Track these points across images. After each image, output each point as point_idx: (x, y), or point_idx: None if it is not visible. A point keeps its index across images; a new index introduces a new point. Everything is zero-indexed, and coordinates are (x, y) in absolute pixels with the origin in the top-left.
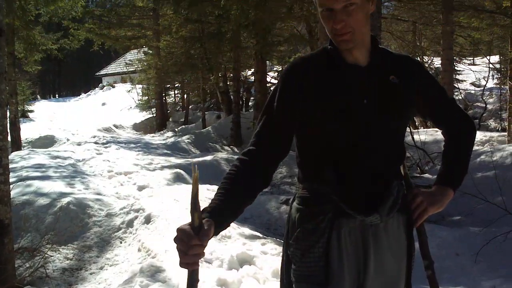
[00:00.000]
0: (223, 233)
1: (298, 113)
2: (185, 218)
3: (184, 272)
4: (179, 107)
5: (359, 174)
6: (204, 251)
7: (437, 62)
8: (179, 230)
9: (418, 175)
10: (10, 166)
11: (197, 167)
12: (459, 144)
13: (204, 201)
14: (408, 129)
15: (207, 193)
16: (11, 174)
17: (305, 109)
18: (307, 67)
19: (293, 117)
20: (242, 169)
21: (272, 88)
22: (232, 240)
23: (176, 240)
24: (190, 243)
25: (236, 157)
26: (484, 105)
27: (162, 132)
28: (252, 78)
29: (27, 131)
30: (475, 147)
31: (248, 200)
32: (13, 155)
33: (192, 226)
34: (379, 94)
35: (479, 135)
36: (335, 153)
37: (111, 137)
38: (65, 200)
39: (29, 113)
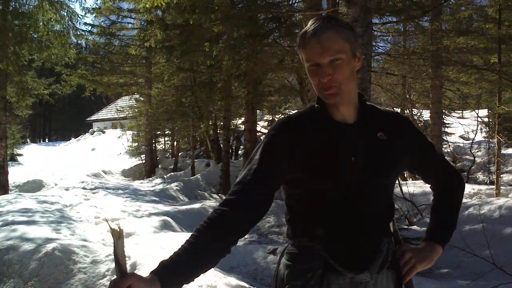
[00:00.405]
0: (208, 282)
1: (285, 173)
2: None
3: None
4: (168, 154)
5: (349, 231)
6: None
7: (426, 115)
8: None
9: (406, 227)
10: None
11: (121, 226)
12: (448, 200)
13: None
14: (396, 181)
15: None
16: None
17: (292, 169)
18: (294, 127)
19: (278, 175)
20: (216, 225)
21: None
22: None
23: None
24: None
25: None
26: (473, 158)
27: (151, 178)
28: (242, 127)
29: (16, 174)
30: (464, 200)
31: (212, 262)
32: (0, 199)
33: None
34: (368, 151)
35: (468, 188)
36: (324, 210)
37: (100, 182)
38: (50, 246)
39: (18, 157)
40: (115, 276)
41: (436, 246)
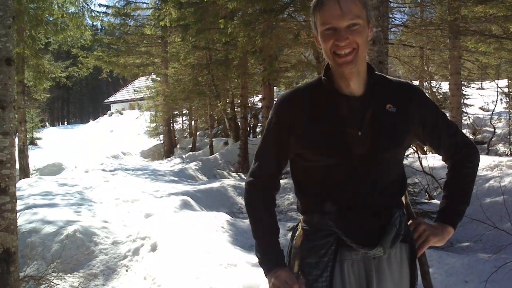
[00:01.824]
0: (229, 261)
1: (292, 146)
2: (192, 246)
3: None
4: (186, 133)
5: (360, 206)
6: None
7: (445, 86)
8: (279, 276)
9: (426, 201)
10: (18, 193)
11: (301, 223)
12: (461, 176)
13: (217, 231)
14: (416, 155)
15: (215, 221)
16: (18, 202)
17: (298, 144)
18: (300, 99)
19: (287, 149)
20: (265, 206)
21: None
22: (239, 268)
23: (280, 283)
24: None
25: (243, 183)
26: (493, 130)
27: (169, 159)
28: (260, 104)
29: (35, 158)
30: (484, 172)
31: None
32: (21, 183)
33: (291, 273)
34: (375, 125)
35: (488, 160)
36: (332, 186)
37: (119, 164)
38: (71, 228)
39: (37, 141)
40: (135, 257)
41: (447, 228)
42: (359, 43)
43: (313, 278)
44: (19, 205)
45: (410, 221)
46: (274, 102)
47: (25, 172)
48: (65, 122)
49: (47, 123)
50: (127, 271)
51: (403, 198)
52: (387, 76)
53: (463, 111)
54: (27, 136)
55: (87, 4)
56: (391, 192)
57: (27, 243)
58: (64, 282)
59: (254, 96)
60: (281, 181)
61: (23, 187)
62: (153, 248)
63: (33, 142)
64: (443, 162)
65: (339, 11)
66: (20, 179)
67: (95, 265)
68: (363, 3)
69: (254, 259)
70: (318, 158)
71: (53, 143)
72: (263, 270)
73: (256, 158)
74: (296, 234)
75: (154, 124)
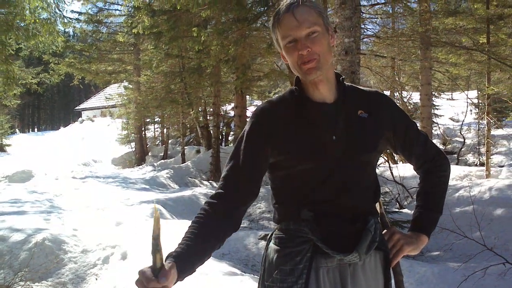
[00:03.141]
0: (200, 270)
1: (268, 157)
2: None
3: None
4: (158, 141)
5: (335, 212)
6: None
7: (415, 97)
8: (140, 272)
9: (397, 210)
10: None
11: (158, 207)
12: (434, 185)
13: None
14: (387, 164)
15: (186, 227)
16: None
17: (275, 152)
18: (275, 111)
19: (262, 160)
20: (210, 213)
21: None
22: (209, 277)
23: (136, 283)
24: (149, 286)
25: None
26: (463, 140)
27: (141, 166)
28: (232, 112)
29: (4, 165)
30: (454, 182)
31: (217, 244)
32: None
33: (152, 268)
34: (348, 129)
35: (458, 170)
36: (309, 192)
37: (89, 171)
38: (40, 236)
39: (6, 147)
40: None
41: (421, 236)
42: (319, 52)
43: (287, 285)
44: None
45: (385, 231)
46: (247, 110)
47: None
48: (36, 129)
49: (17, 130)
50: (96, 279)
51: (377, 207)
52: (356, 86)
53: (433, 121)
54: None
55: (60, 10)
56: (366, 197)
57: None
58: None
59: (227, 104)
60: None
61: None
62: (123, 256)
63: (2, 149)
64: (414, 172)
65: (296, 22)
66: None
67: (64, 274)
68: (318, 12)
69: (225, 267)
70: (294, 163)
71: (22, 149)
72: None
73: (224, 172)
74: (270, 244)
75: (126, 132)
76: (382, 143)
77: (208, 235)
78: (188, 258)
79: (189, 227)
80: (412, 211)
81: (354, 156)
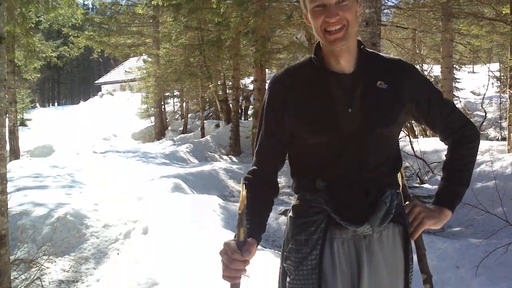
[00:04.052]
0: (221, 244)
1: (285, 125)
2: (183, 229)
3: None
4: (178, 116)
5: (350, 184)
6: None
7: (436, 70)
8: (225, 244)
9: (417, 185)
10: (8, 175)
11: (243, 183)
12: (461, 156)
13: (209, 214)
14: (407, 139)
15: (206, 204)
16: (8, 184)
17: (291, 122)
18: (291, 79)
19: (283, 128)
20: (257, 191)
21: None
22: None
23: (220, 253)
24: (233, 257)
25: (235, 166)
26: (484, 114)
27: (160, 141)
28: (251, 86)
29: (26, 140)
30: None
31: (269, 212)
32: (11, 164)
33: (237, 241)
34: (366, 101)
35: (479, 145)
36: (324, 164)
37: (110, 146)
38: (62, 211)
39: (27, 122)
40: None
41: (444, 210)
42: (349, 19)
43: (302, 256)
44: (10, 187)
45: (406, 203)
46: (266, 84)
47: (15, 154)
48: (56, 103)
49: (37, 104)
50: (118, 254)
51: (399, 179)
52: (379, 53)
53: (454, 95)
54: (18, 117)
55: None
56: (382, 170)
57: (18, 225)
58: (55, 265)
59: (246, 78)
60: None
61: (14, 169)
62: (145, 231)
63: (23, 123)
64: (435, 146)
65: None
66: (10, 160)
67: (86, 248)
68: None
69: None
70: (309, 136)
71: (43, 124)
72: None
73: (254, 154)
74: (289, 214)
75: (145, 106)
76: (403, 115)
77: (263, 211)
78: (259, 233)
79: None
80: (433, 186)
81: (370, 129)
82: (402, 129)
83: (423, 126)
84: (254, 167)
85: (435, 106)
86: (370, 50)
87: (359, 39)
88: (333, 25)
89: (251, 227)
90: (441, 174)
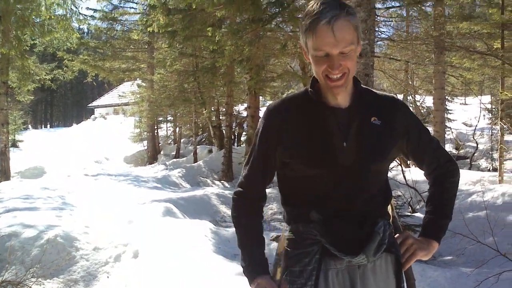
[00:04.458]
0: (212, 270)
1: (279, 156)
2: (174, 254)
3: None
4: (170, 140)
5: (344, 215)
6: None
7: (429, 101)
8: (266, 283)
9: (409, 214)
10: None
11: (283, 232)
12: (444, 191)
13: (200, 239)
14: (400, 168)
15: (198, 229)
16: None
17: (286, 153)
18: (287, 110)
19: (274, 157)
20: (252, 216)
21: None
22: (222, 278)
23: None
24: None
25: (227, 192)
26: (476, 145)
27: (153, 165)
28: (245, 113)
29: (17, 161)
30: (466, 187)
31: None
32: (1, 185)
33: (273, 279)
34: (360, 136)
35: (471, 175)
36: (319, 195)
37: (102, 169)
38: (52, 232)
39: (19, 143)
40: (117, 263)
41: (432, 242)
42: (350, 68)
43: (297, 287)
44: None
45: (397, 235)
46: (260, 111)
47: (6, 175)
48: (48, 125)
49: (29, 126)
50: (108, 277)
51: (389, 210)
52: (372, 90)
53: (446, 125)
54: (9, 138)
55: (75, 7)
56: (375, 202)
57: (6, 246)
58: (44, 287)
59: (240, 104)
60: (266, 190)
61: (4, 189)
62: (135, 255)
63: (14, 145)
64: None
65: (333, 39)
66: (0, 181)
67: (75, 271)
68: (355, 26)
69: (237, 268)
70: (304, 168)
71: (35, 146)
72: (248, 280)
73: (244, 169)
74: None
75: (138, 130)
76: (394, 151)
77: (260, 235)
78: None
79: (245, 233)
80: (424, 215)
81: (364, 163)
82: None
83: (409, 159)
84: (244, 189)
85: (424, 143)
86: (364, 86)
87: (355, 76)
88: (335, 74)
89: (262, 260)
90: (425, 209)
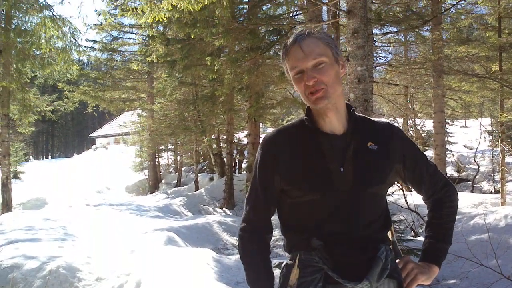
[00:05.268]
0: None
1: (277, 184)
2: (177, 283)
3: None
4: (172, 169)
5: (345, 242)
6: None
7: (429, 124)
8: None
9: (412, 238)
10: (0, 228)
11: (297, 262)
12: (443, 216)
13: (203, 268)
14: (401, 192)
15: (200, 257)
16: (0, 236)
17: (283, 181)
18: (284, 138)
19: (274, 185)
20: (260, 252)
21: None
22: None
23: None
24: None
25: (228, 219)
26: (477, 167)
27: (154, 194)
28: (245, 140)
29: (18, 192)
30: (468, 210)
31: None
32: (3, 217)
33: None
34: (357, 161)
35: (472, 197)
36: (319, 222)
37: (103, 199)
38: (54, 264)
39: (20, 174)
40: None
41: (433, 267)
42: (326, 82)
43: None
44: (1, 240)
45: (398, 260)
46: (260, 138)
47: (8, 206)
48: (50, 156)
49: (31, 157)
50: None
51: (389, 235)
52: (366, 116)
53: (447, 148)
54: (10, 169)
55: (75, 39)
56: (375, 227)
57: (9, 279)
58: None
59: (240, 131)
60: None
61: (6, 221)
62: (137, 284)
63: (16, 176)
64: None
65: (302, 53)
66: (2, 213)
67: None
68: (326, 43)
69: None
70: (302, 194)
71: (36, 177)
72: None
73: (247, 202)
74: (291, 271)
75: (139, 159)
76: (391, 175)
77: (270, 270)
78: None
79: (253, 266)
80: None
81: (362, 188)
82: (396, 183)
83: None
84: (249, 224)
85: (421, 167)
86: (359, 114)
87: (347, 102)
88: (312, 88)
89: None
90: (425, 235)
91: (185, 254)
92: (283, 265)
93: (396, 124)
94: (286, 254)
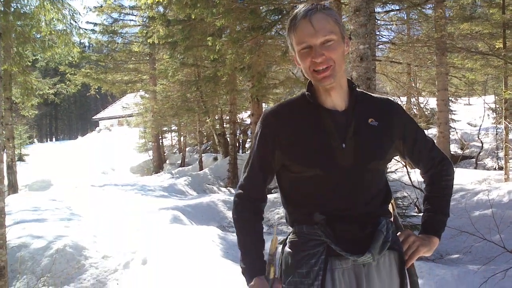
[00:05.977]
0: (221, 274)
1: (278, 158)
2: (182, 260)
3: None
4: (176, 149)
5: (348, 216)
6: None
7: (432, 102)
8: (257, 279)
9: (415, 214)
10: (7, 209)
11: (275, 230)
12: (440, 189)
13: (208, 245)
14: (404, 169)
15: (205, 235)
16: (7, 217)
17: (284, 156)
18: (285, 113)
19: (274, 160)
20: (252, 217)
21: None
22: (231, 282)
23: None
24: None
25: (233, 198)
26: (481, 144)
27: (159, 174)
28: (249, 120)
29: (23, 174)
30: (472, 186)
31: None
32: (10, 198)
33: (267, 278)
34: (358, 137)
35: (476, 174)
36: (319, 197)
37: (108, 179)
38: (61, 243)
39: (25, 157)
40: (126, 270)
41: (433, 239)
42: (335, 59)
43: None
44: (8, 220)
45: (399, 233)
46: None
47: (13, 188)
48: (54, 139)
49: (35, 140)
50: (117, 284)
51: (390, 209)
52: (367, 93)
53: (450, 126)
54: (15, 152)
55: (75, 22)
56: (376, 201)
57: (17, 257)
58: None
59: (243, 112)
60: (271, 195)
61: (12, 203)
62: (144, 261)
63: (21, 159)
64: None
65: (312, 29)
66: (9, 194)
67: (85, 279)
68: (335, 20)
69: None
70: (304, 169)
71: (41, 159)
72: (246, 280)
73: (244, 171)
74: (285, 248)
75: (143, 140)
76: (392, 151)
77: (260, 236)
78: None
79: (244, 231)
80: None
81: (363, 165)
82: (400, 160)
83: (406, 159)
84: (244, 191)
85: (420, 142)
86: (359, 90)
87: (349, 79)
88: (320, 65)
89: (261, 260)
90: (423, 208)
91: (191, 232)
92: (284, 239)
93: (399, 102)
94: (289, 229)
